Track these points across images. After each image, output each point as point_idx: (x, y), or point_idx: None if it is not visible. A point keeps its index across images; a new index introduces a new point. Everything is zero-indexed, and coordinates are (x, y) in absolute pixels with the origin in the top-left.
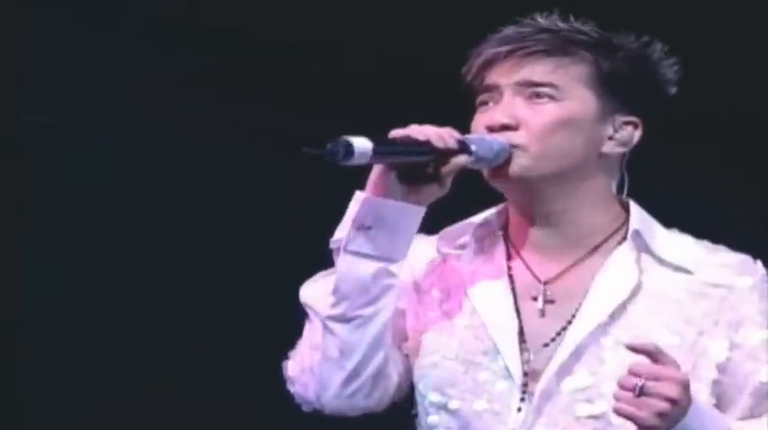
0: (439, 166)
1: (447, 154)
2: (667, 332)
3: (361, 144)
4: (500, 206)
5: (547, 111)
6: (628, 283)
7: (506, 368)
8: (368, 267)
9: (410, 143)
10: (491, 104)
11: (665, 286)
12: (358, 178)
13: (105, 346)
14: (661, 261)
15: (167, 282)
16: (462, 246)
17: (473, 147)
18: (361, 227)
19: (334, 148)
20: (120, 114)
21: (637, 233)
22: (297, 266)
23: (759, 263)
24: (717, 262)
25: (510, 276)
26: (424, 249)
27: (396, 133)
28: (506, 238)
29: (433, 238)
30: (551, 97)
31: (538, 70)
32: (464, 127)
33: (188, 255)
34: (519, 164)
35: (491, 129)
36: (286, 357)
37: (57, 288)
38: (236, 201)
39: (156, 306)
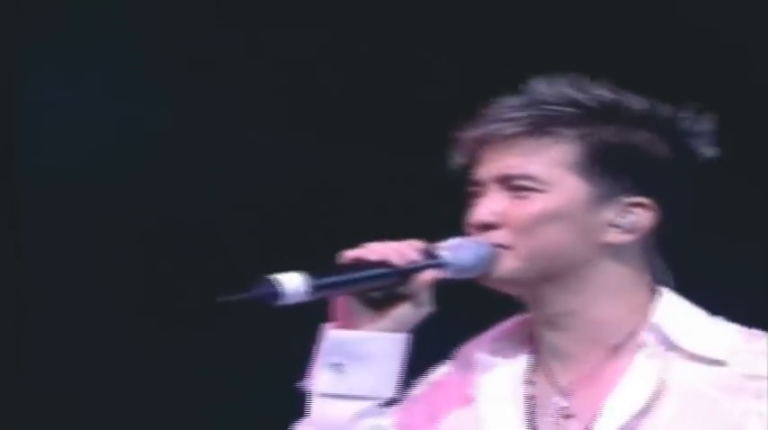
0: (404, 286)
1: (412, 271)
2: None
3: (292, 284)
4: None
5: (528, 206)
6: (648, 385)
7: None
8: (343, 409)
9: (364, 267)
10: (478, 200)
11: (696, 383)
12: None
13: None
14: (691, 355)
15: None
16: (480, 362)
17: (447, 258)
18: (329, 365)
19: (261, 292)
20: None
21: (655, 326)
22: None
23: None
24: (755, 350)
25: (527, 391)
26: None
27: (347, 257)
28: (534, 348)
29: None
30: (534, 190)
31: (513, 161)
32: None
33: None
34: (505, 266)
35: (475, 230)
36: None
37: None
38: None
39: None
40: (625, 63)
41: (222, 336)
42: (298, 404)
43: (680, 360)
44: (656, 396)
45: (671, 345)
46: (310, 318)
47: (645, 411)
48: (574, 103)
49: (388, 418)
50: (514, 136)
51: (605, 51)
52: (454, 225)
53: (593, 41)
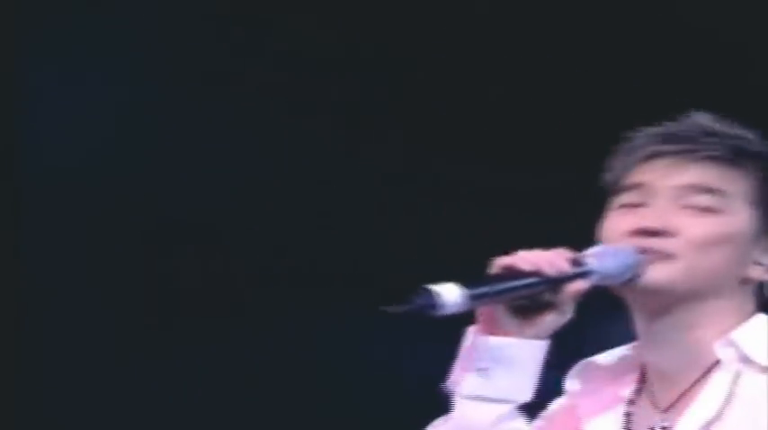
0: (554, 295)
1: (563, 281)
2: None
3: (450, 295)
4: None
5: (709, 223)
6: (719, 395)
7: None
8: (487, 412)
9: (516, 276)
10: (637, 207)
11: (762, 393)
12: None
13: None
14: (762, 368)
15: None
16: (588, 384)
17: (594, 266)
18: (476, 369)
19: (421, 303)
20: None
21: (732, 342)
22: None
23: None
24: None
25: (627, 409)
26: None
27: (498, 265)
28: (641, 376)
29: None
30: (714, 210)
31: (707, 174)
32: None
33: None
34: (660, 274)
35: (635, 234)
36: None
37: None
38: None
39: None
40: (624, 63)
41: (222, 336)
42: (294, 407)
43: (752, 372)
44: (727, 404)
45: (746, 360)
46: (309, 320)
47: (715, 419)
48: (755, 143)
49: (524, 422)
50: (707, 158)
51: (605, 51)
52: (455, 225)
53: (593, 41)
